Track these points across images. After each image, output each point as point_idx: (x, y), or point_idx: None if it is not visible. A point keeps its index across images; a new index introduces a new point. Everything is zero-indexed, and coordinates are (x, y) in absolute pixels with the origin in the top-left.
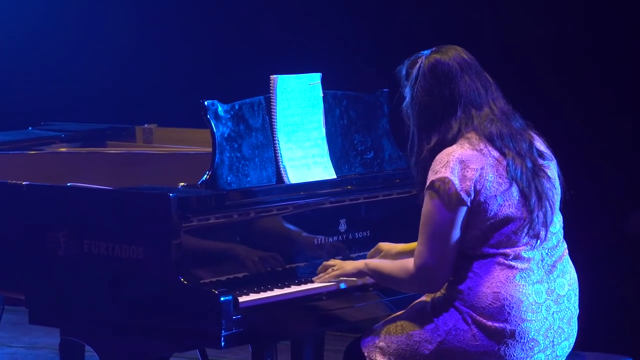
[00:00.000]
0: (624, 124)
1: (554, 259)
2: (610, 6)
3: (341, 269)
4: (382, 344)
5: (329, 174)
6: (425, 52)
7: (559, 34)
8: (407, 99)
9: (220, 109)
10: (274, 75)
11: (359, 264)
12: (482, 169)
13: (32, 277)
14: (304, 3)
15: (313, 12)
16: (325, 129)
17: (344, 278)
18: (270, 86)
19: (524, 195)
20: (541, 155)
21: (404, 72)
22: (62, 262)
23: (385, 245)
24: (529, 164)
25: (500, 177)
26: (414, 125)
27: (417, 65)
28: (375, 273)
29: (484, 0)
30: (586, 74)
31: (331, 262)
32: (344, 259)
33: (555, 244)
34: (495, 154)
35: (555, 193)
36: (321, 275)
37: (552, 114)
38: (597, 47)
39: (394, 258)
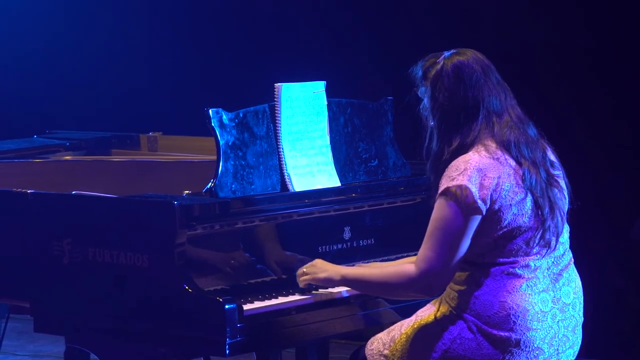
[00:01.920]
0: (626, 129)
1: (560, 267)
2: (609, 8)
3: (312, 275)
4: (386, 352)
5: (334, 181)
6: (445, 53)
7: (559, 38)
8: (426, 100)
9: (224, 117)
10: (279, 84)
11: (334, 274)
12: (499, 177)
13: (37, 285)
14: (309, 11)
15: (318, 20)
16: (330, 137)
17: (315, 284)
18: (275, 94)
19: (537, 205)
20: (552, 164)
21: (420, 73)
22: (67, 270)
23: (376, 265)
24: (543, 174)
25: (517, 187)
26: (434, 127)
27: (439, 66)
28: (356, 282)
29: (486, 7)
30: (587, 79)
31: (305, 268)
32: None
33: (562, 253)
34: (512, 163)
35: (565, 203)
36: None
37: (553, 119)
38: (595, 51)
39: None
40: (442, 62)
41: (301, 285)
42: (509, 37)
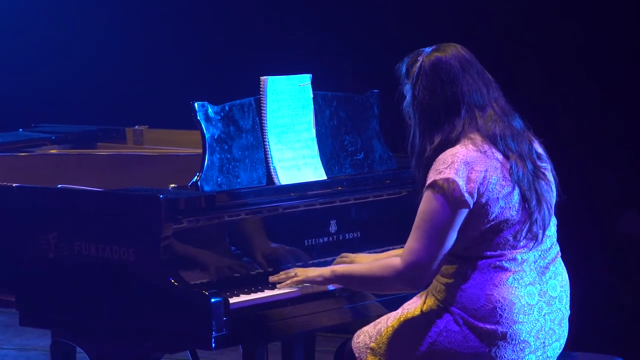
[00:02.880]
0: (614, 123)
1: (547, 261)
2: (600, 6)
3: (303, 275)
4: (372, 344)
5: (319, 175)
6: (426, 49)
7: (551, 33)
8: (408, 98)
9: (210, 110)
10: (264, 77)
11: (325, 271)
12: (486, 171)
13: (23, 278)
14: (295, 4)
15: (303, 13)
16: (316, 130)
17: (308, 284)
18: (260, 87)
19: (524, 198)
20: (539, 157)
21: (404, 70)
22: (53, 264)
23: (350, 255)
24: (530, 166)
25: (503, 180)
26: (415, 124)
27: (418, 64)
28: (345, 278)
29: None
30: (576, 75)
31: (292, 271)
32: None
33: (549, 246)
34: (499, 156)
35: (552, 196)
36: (282, 278)
37: (542, 113)
38: (584, 46)
39: None
40: (420, 60)
41: (292, 285)
42: (499, 32)
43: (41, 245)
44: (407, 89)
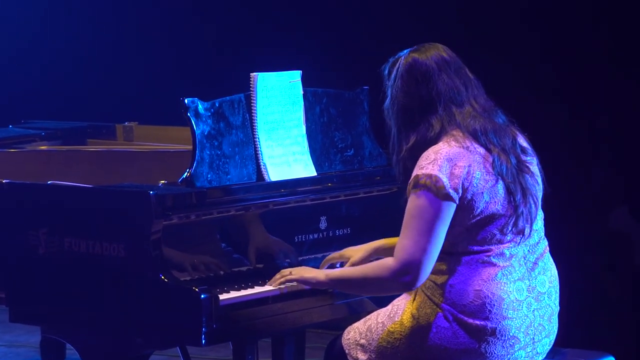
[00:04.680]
0: (604, 119)
1: (535, 256)
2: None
3: (298, 274)
4: (363, 341)
5: (310, 171)
6: (405, 51)
7: (537, 28)
8: (387, 99)
9: (200, 106)
10: (254, 73)
11: (319, 275)
12: (469, 166)
13: (13, 275)
14: (284, 1)
15: (294, 9)
16: (306, 126)
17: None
18: (251, 84)
19: (509, 192)
20: (524, 151)
21: (386, 72)
22: (43, 260)
23: (350, 251)
24: (514, 160)
25: (487, 174)
26: (393, 125)
27: (396, 66)
28: (340, 282)
29: None
30: (566, 71)
31: (287, 271)
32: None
33: (537, 241)
34: (481, 150)
35: (538, 189)
36: (276, 278)
37: (534, 109)
38: (575, 43)
39: (360, 263)
40: (399, 62)
41: (288, 287)
42: (491, 28)
43: (31, 242)
44: (388, 90)
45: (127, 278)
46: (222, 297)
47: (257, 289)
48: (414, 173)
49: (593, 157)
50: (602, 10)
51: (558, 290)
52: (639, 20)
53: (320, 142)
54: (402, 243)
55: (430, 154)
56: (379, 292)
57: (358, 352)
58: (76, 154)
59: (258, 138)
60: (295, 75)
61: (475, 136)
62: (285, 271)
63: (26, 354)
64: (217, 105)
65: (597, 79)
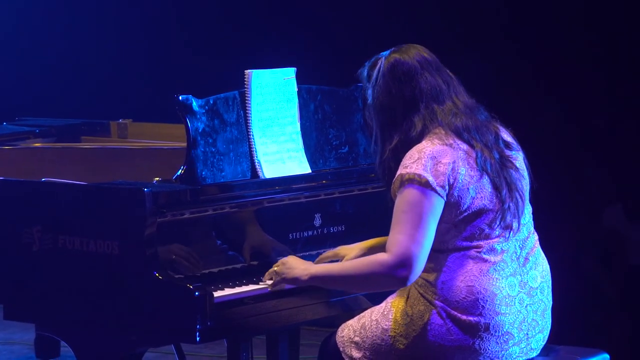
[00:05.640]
0: (598, 115)
1: (526, 250)
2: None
3: (282, 275)
4: (357, 338)
5: (304, 168)
6: (385, 52)
7: (534, 27)
8: (369, 101)
9: (194, 104)
10: (249, 70)
11: (302, 274)
12: (453, 162)
13: (7, 272)
14: None
15: (288, 6)
16: (300, 123)
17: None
18: (245, 81)
19: (495, 187)
20: (508, 146)
21: (365, 74)
22: (37, 258)
23: (344, 249)
24: (496, 155)
25: (472, 170)
26: (376, 126)
27: (377, 67)
28: (327, 280)
29: None
30: (559, 66)
31: (275, 265)
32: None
33: (526, 235)
34: (464, 146)
35: (525, 183)
36: (266, 278)
37: (527, 107)
38: (571, 34)
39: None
40: (379, 63)
41: (272, 289)
42: (481, 25)
43: (25, 239)
44: (369, 92)
45: (121, 276)
46: (217, 294)
47: (252, 287)
48: (399, 172)
49: (587, 155)
50: (590, 6)
51: (550, 285)
52: (629, 15)
53: (314, 139)
54: (395, 237)
55: (413, 153)
56: (369, 288)
57: (352, 349)
58: (70, 151)
59: (252, 135)
60: (290, 72)
61: (457, 133)
62: (271, 271)
63: (20, 351)
64: (211, 102)
65: (592, 76)
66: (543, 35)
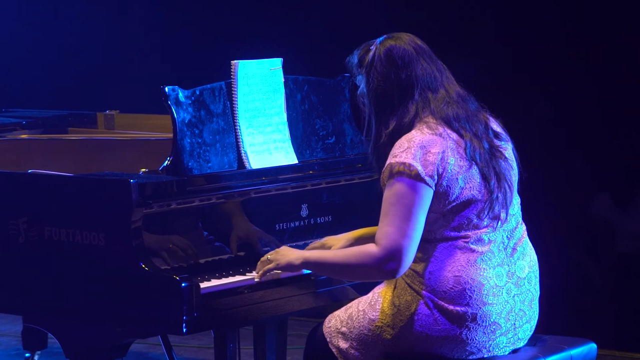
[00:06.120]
0: (587, 105)
1: (514, 241)
2: None
3: (275, 262)
4: (344, 329)
5: (291, 159)
6: (378, 39)
7: (524, 20)
8: (362, 86)
9: (181, 94)
10: (235, 61)
11: (295, 259)
12: (443, 152)
13: None
14: None
15: None
16: (287, 114)
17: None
18: (231, 71)
19: (484, 177)
20: (497, 136)
21: (356, 61)
22: (23, 249)
23: (331, 240)
24: (486, 145)
25: (461, 159)
26: (370, 111)
27: (372, 52)
28: (319, 265)
29: None
30: (548, 57)
31: (268, 254)
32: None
33: (514, 225)
34: (454, 136)
35: (513, 174)
36: (258, 269)
37: (516, 96)
38: (559, 28)
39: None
40: (374, 49)
41: (266, 277)
42: (470, 15)
43: (11, 231)
44: (360, 78)
45: (107, 267)
46: (203, 285)
47: (239, 278)
48: (388, 161)
49: (574, 144)
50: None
51: (538, 275)
52: (611, 5)
53: (301, 130)
54: (384, 230)
55: (403, 142)
56: (359, 278)
57: (339, 340)
58: (57, 142)
59: (239, 126)
60: (276, 63)
61: (448, 122)
62: (265, 258)
63: (8, 343)
64: (197, 93)
65: (577, 65)
66: (527, 28)
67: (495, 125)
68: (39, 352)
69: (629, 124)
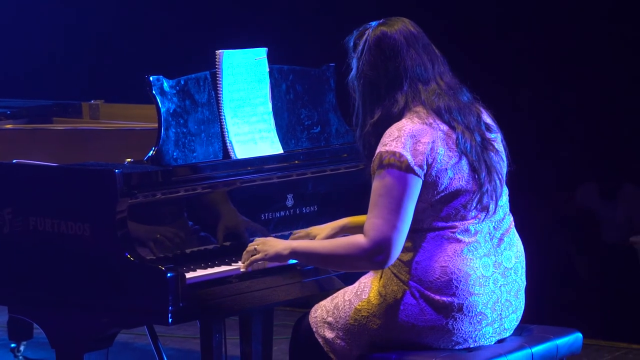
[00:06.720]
0: (573, 96)
1: (501, 231)
2: None
3: (263, 252)
4: (330, 319)
5: (276, 149)
6: (373, 23)
7: (514, 11)
8: (353, 72)
9: (165, 84)
10: (220, 50)
11: (283, 249)
12: (433, 142)
13: None
14: None
15: None
16: (272, 103)
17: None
18: (216, 61)
19: (473, 169)
20: (488, 128)
21: (351, 44)
22: (8, 240)
23: (316, 229)
24: (478, 138)
25: (450, 151)
26: (359, 98)
27: (364, 38)
28: (307, 256)
29: None
30: (537, 47)
31: (254, 244)
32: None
33: (502, 216)
34: (444, 127)
35: (503, 166)
36: (244, 259)
37: (503, 87)
38: (546, 19)
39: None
40: (366, 34)
41: (253, 267)
42: (459, 6)
43: None
44: (354, 62)
45: (92, 257)
46: (189, 275)
47: (224, 268)
48: (378, 150)
49: (559, 134)
50: None
51: (524, 266)
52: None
53: (286, 120)
54: (372, 222)
55: (393, 130)
56: (347, 269)
57: (325, 330)
58: (42, 132)
59: (224, 115)
60: (261, 53)
61: (438, 114)
62: (251, 248)
63: None
64: (182, 82)
65: (563, 56)
66: (515, 14)
67: (486, 117)
68: (24, 343)
69: (613, 115)
